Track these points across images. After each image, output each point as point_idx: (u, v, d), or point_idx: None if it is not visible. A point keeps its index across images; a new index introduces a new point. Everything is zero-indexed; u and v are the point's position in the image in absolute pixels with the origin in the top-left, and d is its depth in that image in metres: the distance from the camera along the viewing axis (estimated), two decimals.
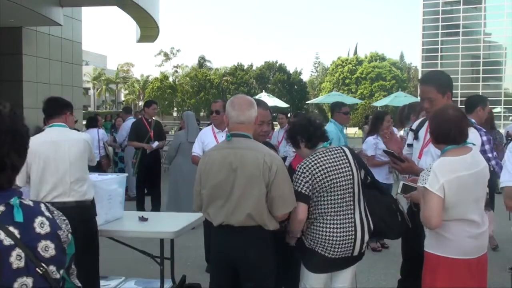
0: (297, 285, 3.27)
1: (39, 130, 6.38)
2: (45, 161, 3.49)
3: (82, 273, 3.53)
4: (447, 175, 2.71)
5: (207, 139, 5.35)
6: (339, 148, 3.17)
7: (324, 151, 3.09)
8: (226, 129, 5.43)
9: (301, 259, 3.19)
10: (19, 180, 3.51)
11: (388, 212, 3.23)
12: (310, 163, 3.03)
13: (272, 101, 21.62)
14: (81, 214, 3.54)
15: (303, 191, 2.98)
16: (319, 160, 3.03)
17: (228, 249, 2.91)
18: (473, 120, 4.13)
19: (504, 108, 75.34)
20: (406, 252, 3.69)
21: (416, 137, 3.58)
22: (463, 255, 2.79)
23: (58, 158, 3.52)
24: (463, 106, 4.74)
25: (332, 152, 3.10)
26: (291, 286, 3.50)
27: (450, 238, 2.79)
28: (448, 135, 2.82)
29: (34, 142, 3.57)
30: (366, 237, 3.12)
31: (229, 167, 2.84)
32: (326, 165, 3.02)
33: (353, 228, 3.05)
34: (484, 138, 4.23)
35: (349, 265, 3.18)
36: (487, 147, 4.37)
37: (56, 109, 3.76)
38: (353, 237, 3.05)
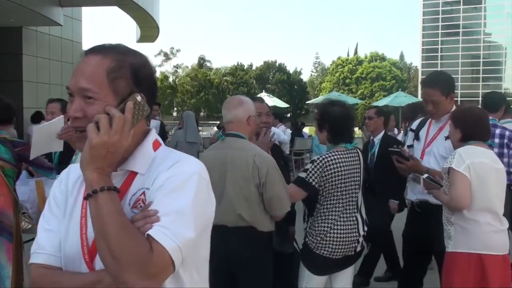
0: (297, 285, 3.27)
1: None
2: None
3: None
4: (472, 158, 2.79)
5: None
6: (355, 150, 3.19)
7: (344, 151, 3.11)
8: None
9: (302, 260, 3.19)
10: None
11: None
12: (326, 158, 3.06)
13: (272, 101, 21.56)
14: None
15: (309, 180, 3.01)
16: (335, 158, 3.06)
17: (222, 250, 2.91)
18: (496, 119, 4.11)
19: None
20: (406, 253, 3.68)
21: (417, 138, 3.57)
22: (491, 250, 2.80)
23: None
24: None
25: (350, 154, 3.13)
26: (290, 287, 3.50)
27: (478, 231, 2.79)
28: (475, 132, 2.90)
29: None
30: (362, 237, 3.17)
31: (221, 168, 2.85)
32: (341, 164, 3.05)
33: (356, 227, 3.10)
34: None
35: (350, 264, 3.20)
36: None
37: None
38: (356, 235, 3.09)
